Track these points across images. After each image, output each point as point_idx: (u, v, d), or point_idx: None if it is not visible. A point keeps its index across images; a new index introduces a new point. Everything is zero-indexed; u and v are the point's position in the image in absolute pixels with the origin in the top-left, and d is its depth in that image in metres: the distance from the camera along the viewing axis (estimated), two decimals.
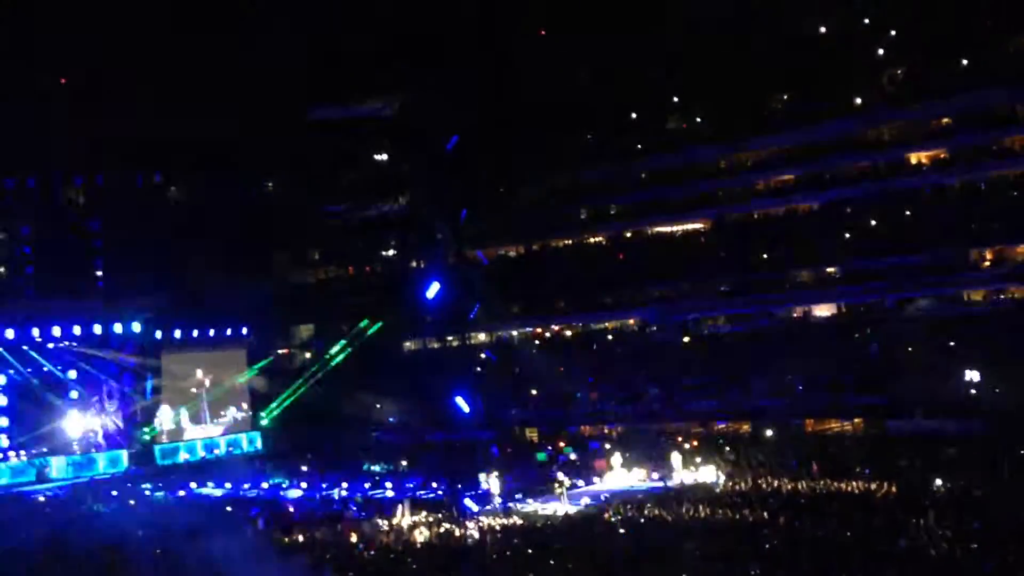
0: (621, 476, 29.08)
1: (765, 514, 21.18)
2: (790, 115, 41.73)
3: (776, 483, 25.10)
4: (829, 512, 20.40)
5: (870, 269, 37.49)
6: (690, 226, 44.61)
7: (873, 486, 23.11)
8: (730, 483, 26.07)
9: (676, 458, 28.76)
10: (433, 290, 40.58)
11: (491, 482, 27.58)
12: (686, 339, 41.14)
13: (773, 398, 34.25)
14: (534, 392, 40.93)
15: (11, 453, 36.18)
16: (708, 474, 27.60)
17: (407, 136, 45.32)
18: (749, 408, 34.61)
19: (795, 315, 39.78)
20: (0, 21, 33.66)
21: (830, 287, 39.13)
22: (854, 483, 23.80)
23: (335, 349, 44.51)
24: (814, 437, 32.22)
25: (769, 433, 32.74)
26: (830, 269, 39.45)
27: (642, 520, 22.31)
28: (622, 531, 21.14)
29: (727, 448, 30.79)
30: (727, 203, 42.91)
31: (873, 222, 38.77)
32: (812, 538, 18.47)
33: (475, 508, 25.49)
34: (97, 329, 38.57)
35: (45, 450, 36.89)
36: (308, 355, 47.63)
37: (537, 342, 45.61)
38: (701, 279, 41.43)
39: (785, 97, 42.55)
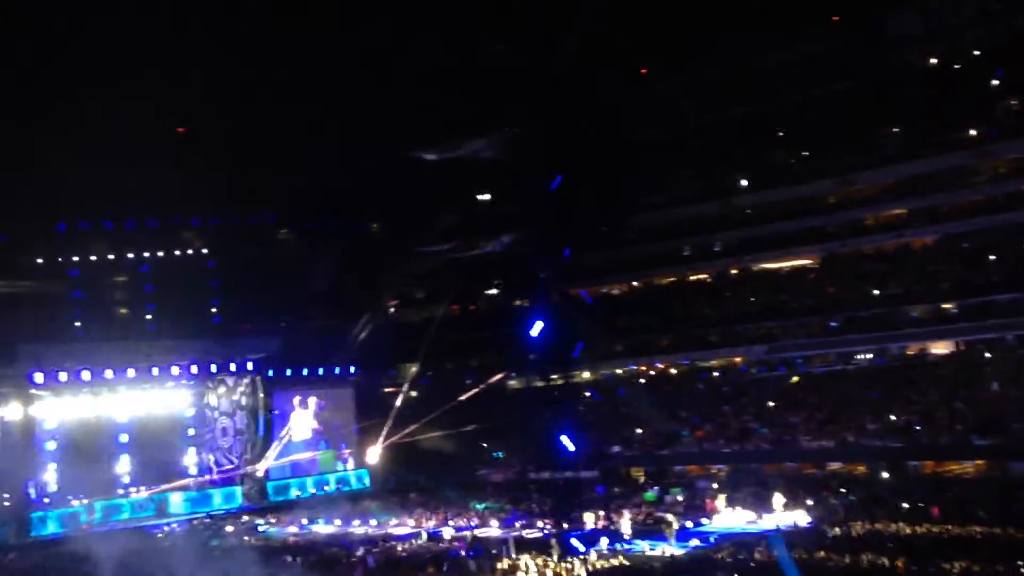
0: (730, 517, 28.54)
1: (883, 559, 20.53)
2: (902, 148, 40.81)
3: (894, 527, 24.30)
4: (950, 558, 19.63)
5: (989, 305, 36.17)
6: (798, 261, 43.80)
7: (996, 531, 22.19)
8: (845, 526, 25.34)
9: (776, 499, 28.12)
10: (537, 328, 40.71)
11: (622, 522, 27.26)
12: (795, 377, 40.25)
13: (889, 438, 33.19)
14: (639, 431, 40.54)
15: (132, 489, 37.40)
16: (820, 516, 26.88)
17: (510, 176, 45.69)
18: (863, 448, 33.58)
19: (910, 352, 38.56)
20: (119, 70, 35.11)
21: (947, 323, 37.82)
22: (976, 527, 22.89)
23: (440, 387, 44.86)
24: (933, 479, 31.08)
25: (885, 475, 31.73)
26: (946, 305, 38.17)
27: (752, 564, 21.84)
28: (732, 574, 20.74)
29: (841, 490, 29.95)
30: (837, 238, 41.99)
31: (991, 256, 37.46)
32: None
33: (582, 548, 25.31)
34: (213, 368, 39.77)
35: (164, 486, 38.07)
36: (414, 393, 48.10)
37: (641, 380, 45.24)
38: (810, 315, 40.56)
39: (896, 130, 41.63)
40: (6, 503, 33.10)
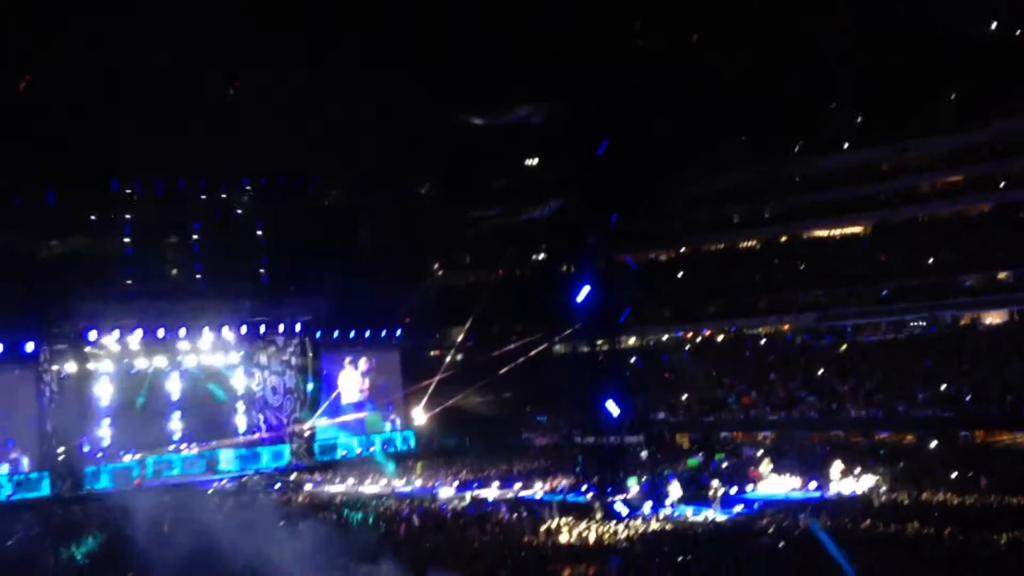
0: (775, 484, 28.40)
1: (929, 529, 20.32)
2: (958, 115, 39.94)
3: (941, 496, 24.03)
4: (997, 529, 19.37)
5: None
6: (849, 229, 43.21)
7: None
8: (892, 496, 25.11)
9: (834, 467, 27.87)
10: (583, 294, 40.63)
11: (671, 488, 27.21)
12: (844, 346, 39.84)
13: (938, 408, 32.78)
14: (685, 397, 40.44)
15: (183, 445, 38.16)
16: (867, 485, 26.65)
17: (558, 141, 45.47)
18: (912, 418, 33.20)
19: (962, 322, 37.97)
20: (175, 31, 35.37)
21: (1001, 292, 37.14)
22: None
23: (486, 352, 45.01)
24: (982, 449, 30.67)
25: (934, 444, 31.36)
26: (1001, 274, 37.47)
27: (796, 531, 21.73)
28: (775, 541, 20.65)
29: (889, 459, 29.65)
30: (890, 205, 41.33)
31: None
32: (978, 555, 17.63)
33: (624, 512, 25.36)
34: (262, 328, 40.26)
35: (214, 443, 38.78)
36: (460, 357, 48.35)
37: (688, 347, 45.07)
38: (860, 284, 40.06)
39: (952, 97, 40.74)
40: (60, 457, 33.87)
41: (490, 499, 29.35)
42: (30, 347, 34.52)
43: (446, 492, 31.10)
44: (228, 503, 29.31)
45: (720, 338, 45.08)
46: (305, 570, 17.06)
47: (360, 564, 17.84)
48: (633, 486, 28.09)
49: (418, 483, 33.22)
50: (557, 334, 46.52)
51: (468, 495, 30.04)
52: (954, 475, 26.10)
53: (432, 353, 48.51)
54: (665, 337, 46.09)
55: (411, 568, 18.52)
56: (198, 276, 44.02)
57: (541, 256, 51.19)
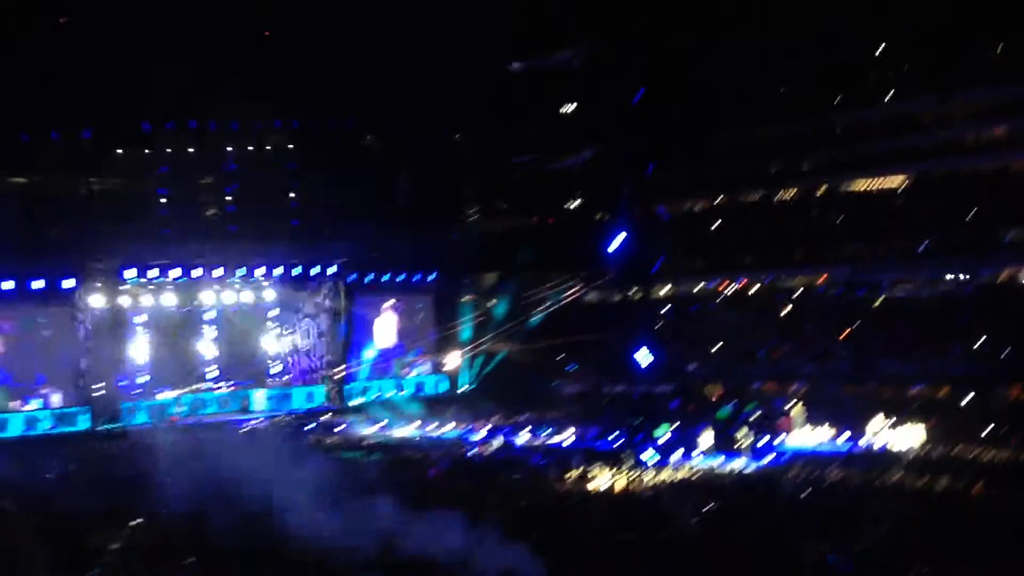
0: (806, 436, 28.33)
1: (960, 484, 20.22)
2: (1006, 65, 38.89)
3: (973, 452, 23.88)
4: None
5: None
6: (888, 182, 42.48)
7: None
8: (923, 450, 24.99)
9: (866, 421, 27.75)
10: (617, 243, 40.49)
11: (701, 438, 27.23)
12: (880, 299, 39.39)
13: (974, 363, 32.44)
14: (716, 347, 40.29)
15: (217, 384, 38.70)
16: (899, 439, 26.51)
17: (595, 88, 44.98)
18: (947, 372, 32.87)
19: (1001, 278, 37.38)
20: None
21: None
22: None
23: (519, 299, 45.07)
24: (1017, 405, 30.34)
25: (968, 400, 31.06)
26: None
27: (825, 482, 21.72)
28: (803, 492, 20.65)
29: (922, 414, 29.43)
30: (931, 158, 40.53)
31: None
32: (1010, 512, 17.51)
33: (653, 461, 25.44)
34: (296, 270, 40.48)
35: (248, 383, 39.26)
36: (493, 303, 48.37)
37: (721, 298, 44.77)
38: (898, 238, 39.50)
39: (999, 47, 39.66)
40: (97, 394, 34.44)
41: (520, 445, 29.54)
42: (68, 284, 34.86)
43: (476, 437, 31.31)
44: (259, 442, 29.73)
45: (754, 290, 44.68)
46: (326, 509, 17.27)
47: (384, 504, 17.99)
48: (662, 435, 28.12)
49: (449, 427, 33.45)
50: (590, 282, 46.53)
51: (497, 441, 30.23)
52: (987, 431, 25.89)
53: (465, 299, 48.53)
54: (698, 288, 45.76)
55: (439, 510, 18.66)
56: (233, 217, 44.16)
57: (576, 204, 50.88)
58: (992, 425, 26.23)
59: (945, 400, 31.95)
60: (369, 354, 42.83)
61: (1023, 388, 31.28)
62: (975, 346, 33.20)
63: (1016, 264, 37.08)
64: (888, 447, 25.95)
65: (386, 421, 34.97)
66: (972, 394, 31.00)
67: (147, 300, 37.54)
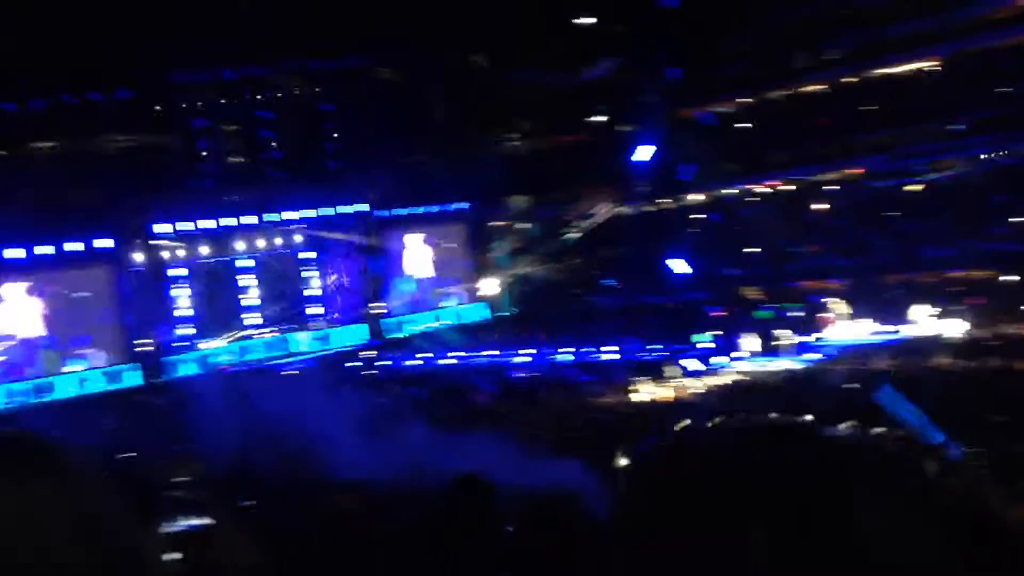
0: (849, 329, 28.21)
1: (1010, 362, 20.09)
2: None
3: (1021, 330, 23.65)
4: None
5: None
6: (918, 66, 41.33)
7: None
8: (968, 332, 24.80)
9: (909, 309, 27.55)
10: (646, 153, 40.07)
11: (743, 341, 27.25)
12: (917, 185, 38.70)
13: (1014, 242, 31.90)
14: (754, 250, 39.93)
15: (261, 329, 39.16)
16: (943, 324, 26.31)
17: None
18: (987, 253, 32.38)
19: None
20: None
21: None
22: None
23: (552, 219, 44.92)
24: None
25: (1011, 279, 30.64)
26: None
27: (871, 373, 21.64)
28: (848, 384, 20.61)
29: (965, 296, 29.13)
30: (960, 37, 39.29)
31: None
32: None
33: (697, 368, 25.51)
34: (329, 211, 40.60)
35: (291, 326, 39.70)
36: (527, 225, 48.25)
37: (755, 199, 44.23)
38: (931, 120, 38.57)
39: None
40: (143, 349, 35.05)
41: (563, 364, 29.73)
42: (106, 243, 35.28)
43: (519, 360, 31.53)
44: (304, 382, 30.16)
45: (788, 188, 44.05)
46: (375, 441, 17.53)
47: (431, 432, 18.23)
48: (704, 342, 28.14)
49: (490, 353, 33.68)
50: (622, 196, 46.18)
51: (541, 362, 30.44)
52: None
53: (498, 223, 48.43)
54: (731, 191, 45.20)
55: (488, 435, 18.86)
56: (262, 164, 44.14)
57: (603, 118, 50.23)
58: None
59: (987, 281, 31.56)
60: (406, 288, 43.03)
61: None
62: (1012, 223, 32.58)
63: None
64: (932, 333, 25.76)
65: (428, 352, 35.28)
66: (1014, 272, 30.56)
67: (184, 253, 37.90)
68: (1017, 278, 30.40)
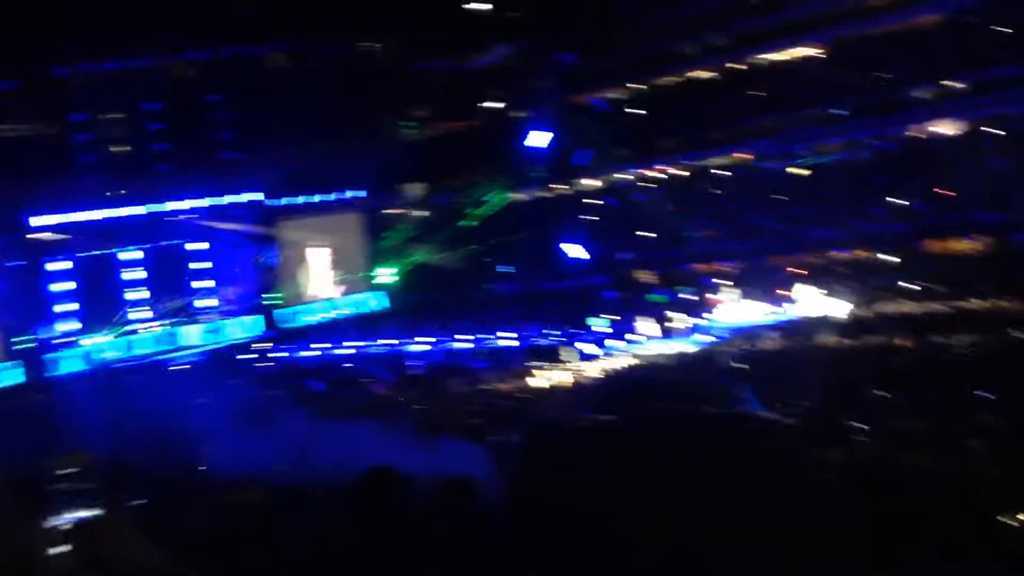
0: (740, 311, 28.89)
1: (892, 339, 20.84)
2: None
3: (899, 307, 24.56)
4: (953, 331, 19.90)
5: (999, 79, 35.13)
6: (801, 52, 42.46)
7: (1003, 303, 22.40)
8: (854, 311, 25.64)
9: (796, 289, 28.35)
10: (540, 139, 40.24)
11: (639, 325, 27.61)
12: (800, 169, 39.79)
13: (894, 222, 33.11)
14: (647, 234, 40.53)
15: (149, 323, 38.07)
16: (828, 304, 27.16)
17: None
18: (870, 233, 33.52)
19: (914, 135, 37.86)
20: None
21: (952, 102, 36.90)
22: (977, 302, 23.11)
23: (448, 206, 44.82)
24: (937, 258, 31.16)
25: (891, 258, 31.80)
26: (952, 84, 37.14)
27: (762, 352, 22.22)
28: (741, 364, 21.10)
29: (850, 276, 30.12)
30: (840, 23, 40.51)
31: (998, 28, 36.09)
32: (940, 359, 18.11)
33: (593, 352, 25.78)
34: (221, 201, 39.72)
35: (183, 319, 38.70)
36: (423, 213, 48.06)
37: (649, 184, 44.88)
38: (815, 105, 39.68)
39: None
40: (22, 346, 33.80)
41: (460, 351, 29.73)
42: None
43: (417, 349, 31.42)
44: (193, 378, 29.50)
45: (679, 173, 44.80)
46: (266, 437, 17.21)
47: (326, 425, 18.00)
48: (600, 326, 28.47)
49: (388, 342, 33.47)
50: (516, 182, 46.34)
51: (439, 350, 30.38)
52: (911, 286, 26.62)
53: (394, 211, 48.10)
54: (624, 176, 45.76)
55: (387, 425, 18.73)
56: (151, 155, 42.86)
57: (497, 104, 50.26)
58: (915, 279, 26.93)
59: (871, 260, 32.71)
60: (300, 278, 42.39)
61: (942, 241, 32.13)
62: (895, 204, 33.79)
63: (924, 119, 37.57)
64: (818, 313, 26.57)
65: (324, 343, 34.86)
66: (895, 252, 31.72)
67: (66, 246, 36.57)
68: (896, 259, 31.57)
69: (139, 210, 37.74)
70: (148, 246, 38.65)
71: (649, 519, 1.66)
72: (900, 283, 27.22)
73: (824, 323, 24.55)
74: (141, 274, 38.62)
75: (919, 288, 26.12)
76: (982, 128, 36.46)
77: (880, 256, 32.40)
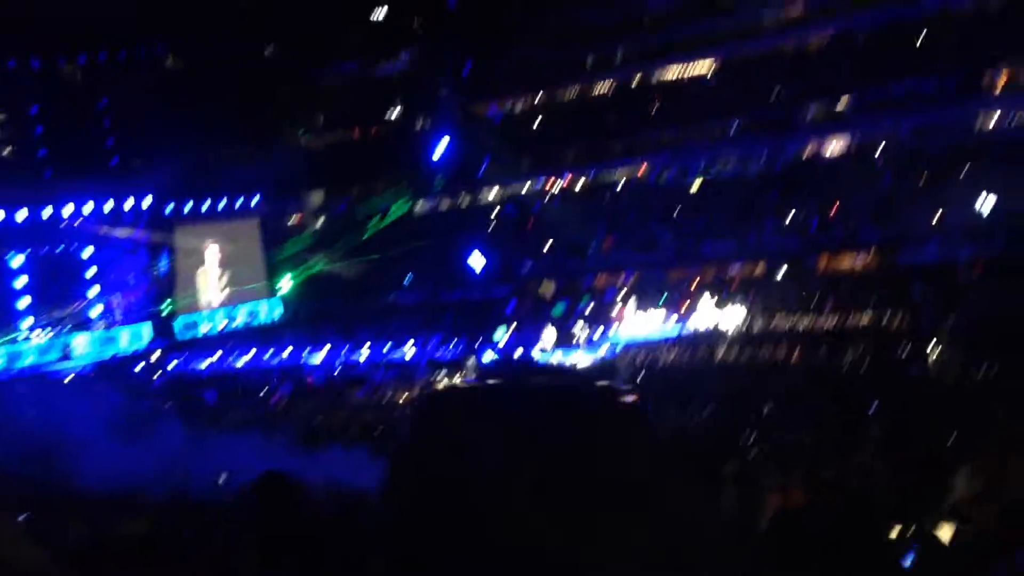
0: (639, 324, 29.28)
1: (782, 352, 21.40)
2: None
3: (790, 322, 25.25)
4: (843, 346, 20.57)
5: (887, 99, 36.53)
6: (700, 68, 43.46)
7: (887, 319, 23.21)
8: (745, 325, 26.24)
9: (691, 302, 28.89)
10: (440, 149, 40.23)
11: (540, 335, 27.70)
12: (696, 184, 40.67)
13: (786, 237, 34.06)
14: (547, 246, 40.81)
15: (33, 333, 36.68)
16: (725, 317, 27.74)
17: None
18: (763, 249, 34.41)
19: (806, 153, 39.11)
20: None
21: (843, 121, 38.24)
22: (866, 316, 23.92)
23: (347, 215, 44.43)
24: (826, 274, 32.15)
25: (782, 273, 32.68)
26: (845, 103, 38.47)
27: (660, 365, 22.58)
28: (641, 376, 21.44)
29: (743, 291, 30.83)
30: (735, 41, 41.62)
31: (888, 49, 37.53)
32: (828, 371, 18.68)
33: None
34: (109, 206, 38.59)
35: (69, 328, 37.39)
36: (321, 222, 47.56)
37: (549, 196, 45.24)
38: (710, 122, 40.62)
39: None
40: None
41: (361, 362, 29.44)
42: None
43: (316, 360, 31.00)
44: (81, 390, 28.52)
45: (579, 185, 45.29)
46: (160, 451, 16.81)
47: (225, 438, 17.64)
48: (502, 337, 28.55)
49: (287, 353, 32.96)
50: (417, 191, 46.19)
51: (339, 361, 30.04)
52: (801, 300, 27.40)
53: (293, 220, 47.47)
54: (525, 188, 46.04)
55: (284, 438, 18.46)
56: (42, 157, 41.41)
57: (397, 113, 50.06)
58: (804, 295, 27.71)
59: (762, 276, 33.58)
60: (197, 286, 41.44)
61: (831, 258, 33.20)
62: (786, 221, 34.77)
63: (815, 137, 38.81)
64: (714, 327, 27.13)
65: (220, 353, 34.14)
66: (786, 267, 32.62)
67: None
68: (787, 274, 32.43)
69: (21, 214, 36.29)
70: (32, 252, 37.27)
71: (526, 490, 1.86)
72: (790, 298, 27.97)
73: (718, 336, 25.10)
74: (24, 281, 37.20)
75: (808, 303, 26.88)
76: (871, 146, 37.95)
77: (771, 271, 33.28)
